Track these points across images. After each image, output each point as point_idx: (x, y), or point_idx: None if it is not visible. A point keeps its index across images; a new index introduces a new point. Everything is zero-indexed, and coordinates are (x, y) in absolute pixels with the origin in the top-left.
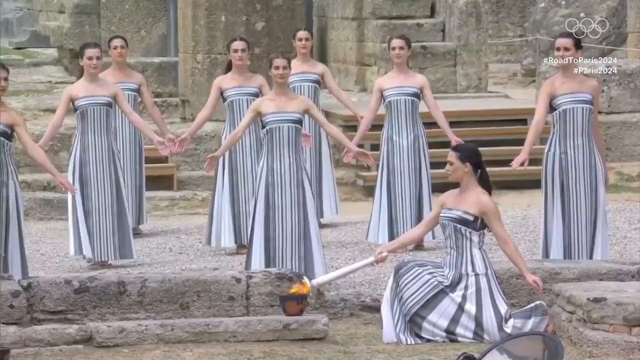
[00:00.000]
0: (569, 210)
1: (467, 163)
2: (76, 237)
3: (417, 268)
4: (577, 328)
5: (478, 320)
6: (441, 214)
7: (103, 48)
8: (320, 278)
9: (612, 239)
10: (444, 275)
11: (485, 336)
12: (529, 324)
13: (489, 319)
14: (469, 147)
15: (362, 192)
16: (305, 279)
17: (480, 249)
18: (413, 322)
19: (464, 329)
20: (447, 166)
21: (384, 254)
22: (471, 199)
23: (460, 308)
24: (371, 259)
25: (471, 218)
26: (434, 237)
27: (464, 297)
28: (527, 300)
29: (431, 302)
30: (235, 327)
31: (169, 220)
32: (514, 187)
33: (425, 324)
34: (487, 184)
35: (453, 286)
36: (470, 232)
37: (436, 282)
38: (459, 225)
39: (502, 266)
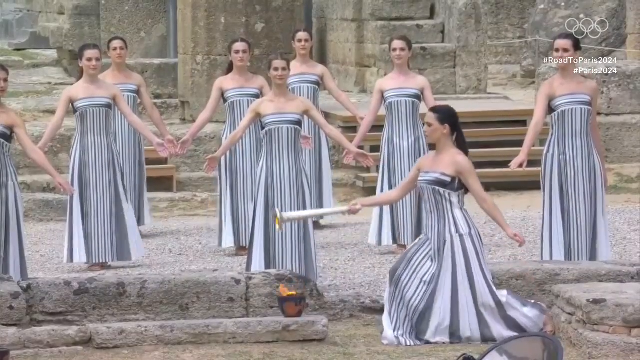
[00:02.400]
0: (568, 212)
1: (446, 124)
2: (69, 244)
3: (411, 266)
4: (576, 329)
5: (472, 288)
6: (419, 178)
7: (102, 49)
8: (292, 213)
9: (612, 241)
10: (431, 254)
11: (482, 309)
12: (522, 309)
13: (480, 284)
14: (447, 109)
15: (362, 194)
16: (277, 210)
17: (461, 209)
18: (418, 328)
19: (466, 315)
20: (425, 127)
21: (358, 207)
22: (447, 160)
23: (455, 290)
24: (345, 208)
25: (448, 179)
26: None
27: (453, 276)
28: None
29: (433, 296)
30: (235, 328)
31: (168, 222)
32: (514, 188)
33: (430, 327)
34: (463, 146)
35: (440, 258)
36: (449, 194)
37: (430, 276)
38: (437, 187)
39: (502, 267)
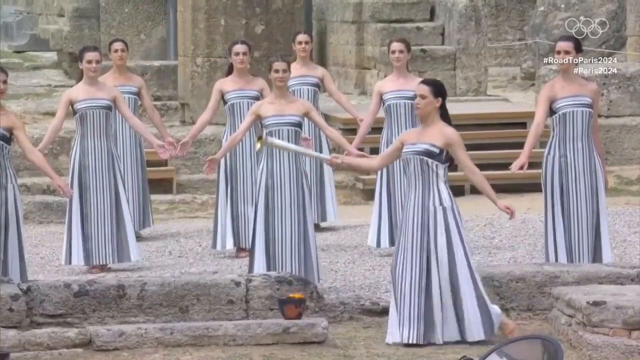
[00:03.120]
0: (569, 214)
1: (439, 98)
2: (67, 246)
3: (400, 256)
4: (576, 332)
5: (451, 262)
6: (404, 150)
7: (103, 51)
8: (277, 141)
9: (612, 243)
10: (414, 231)
11: (460, 284)
12: (492, 303)
13: (460, 259)
14: (439, 82)
15: (362, 196)
16: (264, 134)
17: (445, 183)
18: (427, 315)
19: (448, 288)
20: (418, 99)
21: (339, 160)
22: (435, 132)
23: (442, 264)
24: (327, 157)
25: (437, 150)
26: None
27: (437, 249)
28: (526, 303)
29: (429, 275)
30: (235, 330)
31: (168, 224)
32: (514, 190)
33: (435, 306)
34: (448, 120)
35: (425, 232)
36: (436, 165)
37: (419, 253)
38: (425, 158)
39: (502, 269)
